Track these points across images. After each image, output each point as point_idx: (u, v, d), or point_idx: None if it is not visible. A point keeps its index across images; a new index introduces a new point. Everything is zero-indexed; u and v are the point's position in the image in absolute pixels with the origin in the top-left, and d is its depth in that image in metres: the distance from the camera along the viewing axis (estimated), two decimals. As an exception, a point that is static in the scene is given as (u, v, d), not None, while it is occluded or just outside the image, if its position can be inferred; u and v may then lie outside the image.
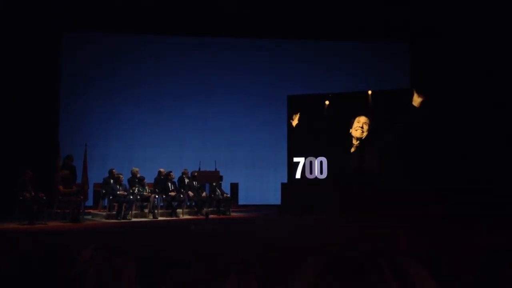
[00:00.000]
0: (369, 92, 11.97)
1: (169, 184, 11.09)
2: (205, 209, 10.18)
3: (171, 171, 11.33)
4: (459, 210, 9.80)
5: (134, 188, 10.46)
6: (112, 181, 10.44)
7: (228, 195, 12.22)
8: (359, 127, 11.97)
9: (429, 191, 10.67)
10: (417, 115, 11.38)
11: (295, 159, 12.37)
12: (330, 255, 0.75)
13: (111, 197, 10.25)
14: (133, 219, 10.06)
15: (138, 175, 10.89)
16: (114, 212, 10.07)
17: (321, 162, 12.14)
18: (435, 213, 9.81)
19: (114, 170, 10.73)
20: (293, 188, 12.18)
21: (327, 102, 12.29)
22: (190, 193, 11.38)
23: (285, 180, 12.58)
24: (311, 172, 12.18)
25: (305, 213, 10.74)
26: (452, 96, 11.58)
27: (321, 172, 12.10)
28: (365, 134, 11.93)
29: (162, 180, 11.23)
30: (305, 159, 12.26)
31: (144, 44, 14.37)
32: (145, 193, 10.52)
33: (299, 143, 12.41)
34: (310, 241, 6.49)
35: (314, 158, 12.18)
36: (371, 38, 14.24)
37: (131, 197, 10.19)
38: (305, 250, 4.88)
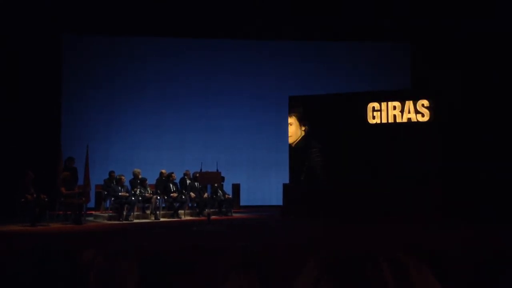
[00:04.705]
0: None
1: (171, 185, 11.10)
2: (207, 210, 10.19)
3: (172, 172, 11.34)
4: (462, 211, 9.78)
5: (136, 189, 10.48)
6: (112, 182, 10.48)
7: (230, 196, 12.22)
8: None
9: (432, 192, 10.63)
10: (418, 115, 11.34)
11: (297, 160, 12.32)
12: (331, 255, 0.76)
13: (113, 199, 10.27)
14: (135, 221, 10.06)
15: (140, 177, 10.91)
16: (116, 214, 10.09)
17: (322, 163, 12.10)
18: (441, 214, 9.79)
19: (113, 172, 10.79)
20: (295, 189, 12.13)
21: (328, 103, 12.24)
22: (192, 194, 11.39)
23: (287, 181, 12.55)
24: (313, 173, 12.14)
25: (308, 215, 10.72)
26: (453, 96, 11.55)
27: (324, 173, 12.06)
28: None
29: (164, 181, 11.24)
30: (307, 160, 12.22)
31: (145, 46, 14.40)
32: (147, 195, 10.53)
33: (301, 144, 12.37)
34: (311, 241, 6.48)
35: (316, 159, 12.14)
36: (372, 39, 14.24)
37: (133, 198, 10.20)
38: (306, 251, 4.87)
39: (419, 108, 11.34)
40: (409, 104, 11.40)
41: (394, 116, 11.51)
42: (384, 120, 11.53)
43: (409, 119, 11.39)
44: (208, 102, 14.54)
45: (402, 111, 11.48)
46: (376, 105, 11.61)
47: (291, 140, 11.90)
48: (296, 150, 11.83)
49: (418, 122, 11.21)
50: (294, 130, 11.86)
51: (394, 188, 11.00)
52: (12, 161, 11.19)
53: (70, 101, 13.76)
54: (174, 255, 4.37)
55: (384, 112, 11.57)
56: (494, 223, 8.56)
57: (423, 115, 11.32)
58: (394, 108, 11.52)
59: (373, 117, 11.62)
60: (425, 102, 11.29)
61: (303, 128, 11.81)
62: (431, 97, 11.35)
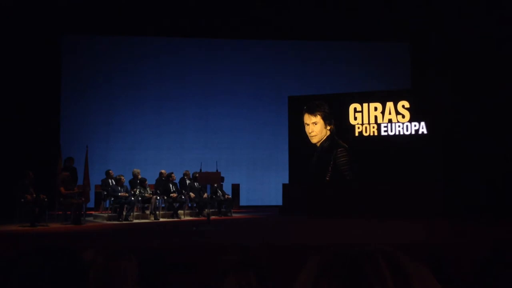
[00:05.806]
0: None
1: (171, 185, 11.09)
2: (206, 210, 10.18)
3: (172, 173, 11.34)
4: (462, 208, 9.79)
5: (135, 189, 10.48)
6: (110, 182, 10.47)
7: (230, 196, 12.21)
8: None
9: (432, 192, 10.64)
10: (418, 115, 11.36)
11: (297, 160, 12.33)
12: (331, 255, 0.76)
13: (112, 199, 10.27)
14: (135, 221, 10.06)
15: (140, 177, 10.91)
16: (116, 214, 10.09)
17: (321, 162, 12.10)
18: (441, 213, 9.80)
19: (111, 171, 10.79)
20: (295, 189, 12.14)
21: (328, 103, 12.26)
22: (192, 195, 11.38)
23: (287, 181, 12.56)
24: (312, 173, 12.14)
25: (307, 215, 10.72)
26: (452, 96, 11.57)
27: (323, 173, 12.06)
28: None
29: (163, 182, 11.24)
30: (306, 160, 12.22)
31: (144, 46, 14.40)
32: (146, 195, 10.53)
33: (301, 144, 12.37)
34: (311, 241, 6.48)
35: (315, 159, 12.14)
36: (372, 39, 14.24)
37: (133, 198, 10.20)
38: (305, 250, 4.88)
39: (399, 109, 11.37)
40: (389, 105, 11.42)
41: (375, 117, 11.52)
42: (365, 121, 11.53)
43: (389, 120, 11.41)
44: (207, 102, 14.54)
45: (383, 112, 11.50)
46: (357, 106, 11.63)
47: (315, 139, 11.71)
48: (321, 150, 11.65)
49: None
50: (319, 129, 11.69)
51: (395, 187, 11.02)
52: (12, 161, 11.19)
53: (69, 101, 13.76)
54: (174, 255, 4.37)
55: (365, 113, 11.57)
56: (494, 221, 8.56)
57: (403, 116, 11.35)
58: (375, 109, 11.54)
59: (355, 118, 11.62)
60: (405, 103, 11.31)
61: (328, 128, 11.69)
62: (411, 98, 11.39)
